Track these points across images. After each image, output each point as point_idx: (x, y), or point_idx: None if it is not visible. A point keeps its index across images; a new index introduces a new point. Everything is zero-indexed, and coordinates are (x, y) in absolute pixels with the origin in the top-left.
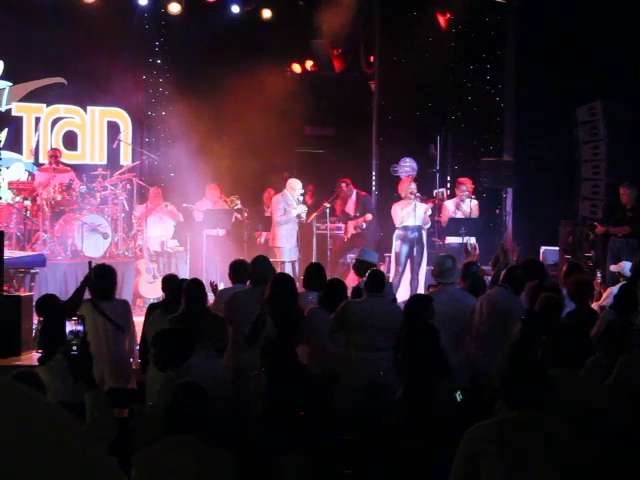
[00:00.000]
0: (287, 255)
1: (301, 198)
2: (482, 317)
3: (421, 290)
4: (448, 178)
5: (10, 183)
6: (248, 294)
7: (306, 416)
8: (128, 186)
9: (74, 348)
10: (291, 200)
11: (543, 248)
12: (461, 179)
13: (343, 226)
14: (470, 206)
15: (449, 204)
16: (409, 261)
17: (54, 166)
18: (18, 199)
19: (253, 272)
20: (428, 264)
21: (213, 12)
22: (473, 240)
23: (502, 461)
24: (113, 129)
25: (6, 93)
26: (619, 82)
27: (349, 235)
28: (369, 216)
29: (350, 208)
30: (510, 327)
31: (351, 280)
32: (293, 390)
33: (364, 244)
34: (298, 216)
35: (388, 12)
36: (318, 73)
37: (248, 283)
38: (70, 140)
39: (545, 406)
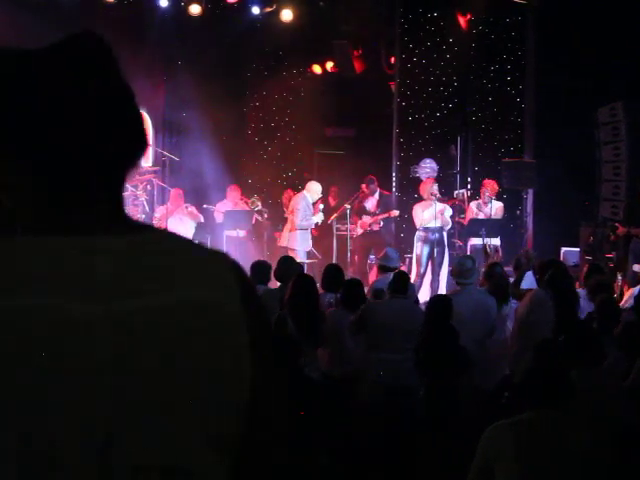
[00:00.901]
0: (303, 257)
1: (321, 206)
2: (521, 319)
3: (442, 291)
4: (469, 179)
5: None
6: (275, 293)
7: (306, 417)
8: (149, 187)
9: None
10: (310, 204)
11: (564, 249)
12: (484, 181)
13: (358, 222)
14: (492, 208)
15: (473, 206)
16: (430, 262)
17: None
18: None
19: (278, 271)
20: (449, 265)
21: (233, 13)
22: (496, 242)
23: (517, 462)
24: None
25: None
26: None
27: (359, 232)
28: (396, 212)
29: (371, 206)
30: (548, 331)
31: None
32: (291, 390)
33: (381, 243)
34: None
35: (408, 13)
36: (338, 74)
37: (277, 285)
38: None
39: (563, 406)
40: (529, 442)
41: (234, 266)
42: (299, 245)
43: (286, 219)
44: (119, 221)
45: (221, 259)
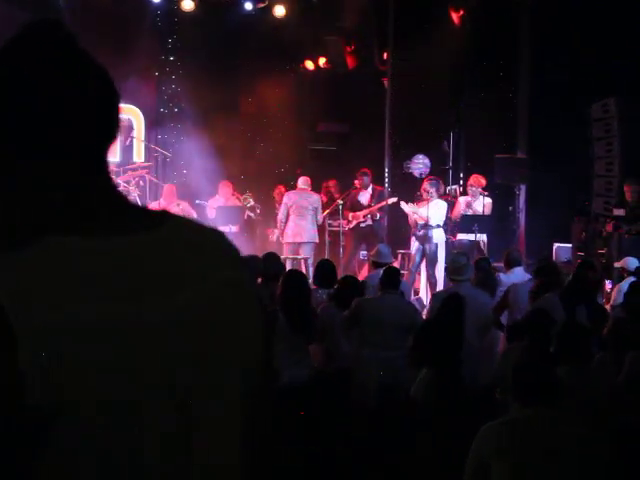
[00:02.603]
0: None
1: None
2: None
3: (439, 288)
4: (461, 175)
5: None
6: (260, 291)
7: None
8: (141, 183)
9: None
10: None
11: (556, 245)
12: (470, 176)
13: (350, 215)
14: (481, 204)
15: (462, 200)
16: (424, 258)
17: None
18: None
19: (264, 268)
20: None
21: (226, 9)
22: (483, 237)
23: (513, 461)
24: (126, 126)
25: None
26: (634, 80)
27: (352, 225)
28: (394, 198)
29: (365, 200)
30: None
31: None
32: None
33: (374, 238)
34: None
35: (402, 9)
36: (331, 70)
37: (260, 280)
38: None
39: (557, 404)
40: (524, 440)
41: (233, 245)
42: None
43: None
44: (127, 216)
45: (228, 242)
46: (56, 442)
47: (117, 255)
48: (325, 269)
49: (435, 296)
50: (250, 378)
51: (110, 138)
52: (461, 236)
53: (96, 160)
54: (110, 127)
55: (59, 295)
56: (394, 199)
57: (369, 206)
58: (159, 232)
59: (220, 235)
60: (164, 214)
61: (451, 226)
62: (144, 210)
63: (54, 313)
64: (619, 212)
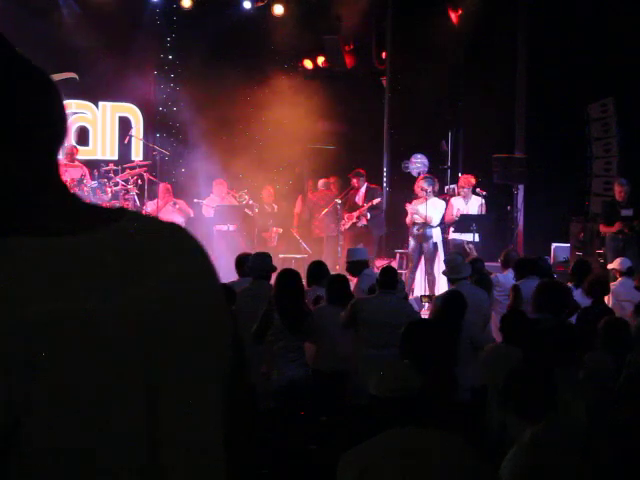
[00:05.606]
0: None
1: None
2: None
3: (439, 287)
4: (459, 174)
5: None
6: (246, 291)
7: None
8: (139, 181)
9: None
10: None
11: (554, 245)
12: (460, 176)
13: (345, 216)
14: (473, 204)
15: (454, 201)
16: (423, 258)
17: (65, 162)
18: None
19: (253, 267)
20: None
21: (225, 8)
22: (469, 238)
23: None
24: (124, 124)
25: None
26: (632, 80)
27: (347, 226)
28: (377, 199)
29: (359, 199)
30: None
31: None
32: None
33: (369, 238)
34: None
35: (400, 8)
36: (330, 69)
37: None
38: (81, 135)
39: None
40: (537, 459)
41: (193, 236)
42: None
43: (274, 214)
44: (87, 213)
45: (187, 232)
46: (49, 441)
47: (93, 252)
48: (317, 270)
49: (439, 298)
50: (224, 371)
51: (65, 135)
52: (453, 236)
53: (55, 158)
54: (65, 123)
55: (50, 294)
56: (378, 200)
57: (361, 206)
58: (119, 227)
59: (179, 227)
60: (120, 209)
61: (443, 226)
62: (98, 206)
63: (48, 312)
64: (627, 212)
